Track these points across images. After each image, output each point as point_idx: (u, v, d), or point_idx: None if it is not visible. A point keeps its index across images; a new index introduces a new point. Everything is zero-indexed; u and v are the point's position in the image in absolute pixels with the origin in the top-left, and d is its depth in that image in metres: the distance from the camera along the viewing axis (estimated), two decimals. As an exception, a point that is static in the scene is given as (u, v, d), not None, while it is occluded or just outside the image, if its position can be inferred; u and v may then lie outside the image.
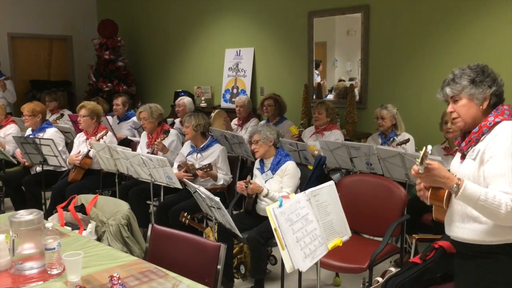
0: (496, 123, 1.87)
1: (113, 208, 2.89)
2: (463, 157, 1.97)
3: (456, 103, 1.97)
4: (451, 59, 4.57)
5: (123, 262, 2.15)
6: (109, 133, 4.58)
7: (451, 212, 1.98)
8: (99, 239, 2.81)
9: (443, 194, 1.88)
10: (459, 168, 1.98)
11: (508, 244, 1.82)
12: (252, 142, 3.55)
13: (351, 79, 5.55)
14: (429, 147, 1.74)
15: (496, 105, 1.92)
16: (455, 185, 1.77)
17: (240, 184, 3.43)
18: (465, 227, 1.92)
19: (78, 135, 4.79)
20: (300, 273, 2.93)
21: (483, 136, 1.88)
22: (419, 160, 1.75)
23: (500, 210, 1.73)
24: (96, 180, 4.50)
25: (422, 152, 1.74)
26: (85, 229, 2.84)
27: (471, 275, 1.96)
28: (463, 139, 1.99)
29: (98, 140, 4.33)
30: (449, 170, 2.06)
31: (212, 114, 5.40)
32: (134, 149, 4.56)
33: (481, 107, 1.92)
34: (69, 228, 2.80)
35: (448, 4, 4.59)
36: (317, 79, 5.90)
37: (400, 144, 4.04)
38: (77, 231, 2.79)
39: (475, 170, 1.87)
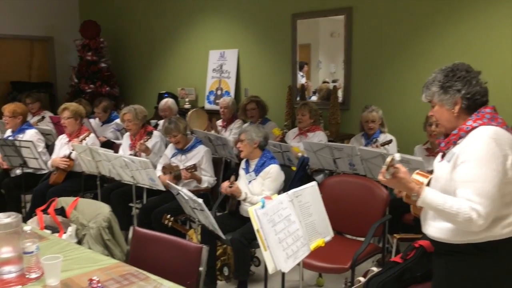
0: (474, 128, 1.85)
1: (94, 211, 2.85)
2: (443, 156, 1.99)
3: (433, 108, 2.00)
4: (433, 60, 4.63)
5: (104, 265, 2.12)
6: (92, 134, 4.53)
7: (425, 210, 2.02)
8: (79, 242, 2.77)
9: None
10: (437, 167, 2.01)
11: (472, 244, 1.85)
12: (239, 140, 3.56)
13: (334, 81, 5.59)
14: (396, 156, 1.78)
15: (471, 108, 1.90)
16: (414, 194, 1.84)
17: (225, 185, 3.42)
18: (435, 225, 1.95)
19: (60, 137, 4.72)
20: (283, 274, 2.93)
21: (460, 140, 1.88)
22: (385, 167, 1.79)
23: (458, 218, 1.77)
24: (78, 182, 4.44)
25: (388, 160, 1.78)
26: (65, 232, 2.80)
27: (442, 272, 1.99)
28: (444, 139, 2.01)
29: (81, 141, 4.28)
30: (431, 170, 2.09)
31: (188, 114, 5.38)
32: (116, 151, 4.52)
33: (453, 111, 1.91)
34: (49, 232, 2.75)
35: (430, 6, 4.65)
36: (301, 80, 5.92)
37: (383, 145, 4.08)
38: (57, 234, 2.75)
39: (448, 172, 1.88)
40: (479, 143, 1.80)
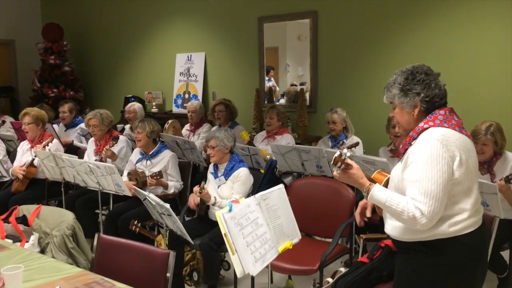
0: (424, 129, 1.90)
1: (57, 219, 2.78)
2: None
3: (393, 110, 2.04)
4: (398, 62, 4.71)
5: (68, 274, 2.07)
6: (55, 140, 4.42)
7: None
8: (42, 251, 2.69)
9: None
10: (395, 168, 2.06)
11: (420, 242, 1.91)
12: (208, 146, 3.52)
13: (302, 84, 5.64)
14: (345, 151, 1.84)
15: (429, 111, 1.93)
16: (365, 190, 1.92)
17: (196, 190, 3.39)
18: (390, 223, 2.03)
19: (22, 143, 4.58)
20: (252, 277, 2.93)
21: (414, 141, 1.92)
22: (332, 162, 1.87)
23: (403, 216, 1.83)
24: (41, 190, 4.32)
25: (336, 155, 1.85)
26: (27, 241, 2.71)
27: (398, 269, 2.06)
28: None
29: (44, 147, 4.17)
30: None
31: (166, 125, 5.32)
32: (81, 157, 4.42)
33: (412, 114, 1.95)
34: (10, 241, 2.67)
35: (393, 8, 4.77)
36: (269, 83, 5.95)
37: (350, 147, 4.14)
38: (18, 243, 2.67)
39: (399, 172, 1.95)
40: (425, 145, 1.84)
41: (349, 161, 1.87)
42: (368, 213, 2.13)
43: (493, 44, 4.24)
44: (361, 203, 2.17)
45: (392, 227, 2.01)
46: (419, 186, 1.82)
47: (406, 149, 1.97)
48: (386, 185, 2.07)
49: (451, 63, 4.34)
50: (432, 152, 1.82)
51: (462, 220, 1.89)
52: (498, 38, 4.20)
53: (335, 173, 1.92)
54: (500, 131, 3.20)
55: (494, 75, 4.25)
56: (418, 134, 1.91)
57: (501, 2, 4.16)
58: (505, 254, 3.24)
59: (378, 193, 1.89)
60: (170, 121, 5.45)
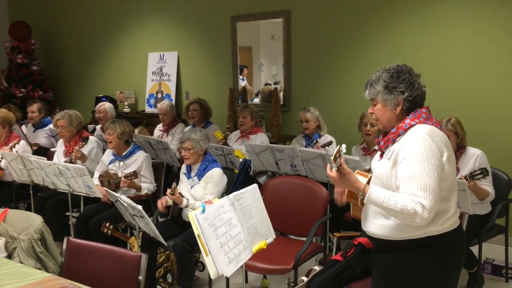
0: (411, 126, 1.92)
1: (24, 222, 2.70)
2: (381, 155, 2.04)
3: (374, 106, 2.04)
4: (370, 61, 4.80)
5: (36, 279, 2.02)
6: (22, 141, 4.30)
7: (366, 208, 2.07)
8: (9, 256, 2.61)
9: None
10: (377, 166, 2.06)
11: (411, 240, 1.92)
12: (183, 148, 3.47)
13: (276, 83, 5.65)
14: (343, 146, 1.81)
15: (411, 110, 1.96)
16: (360, 193, 1.89)
17: (167, 194, 3.34)
18: (376, 222, 2.00)
19: (-13, 145, 4.44)
20: (227, 277, 2.91)
21: (399, 137, 1.94)
22: (332, 157, 1.82)
23: (403, 214, 1.82)
24: (9, 192, 4.22)
25: (336, 150, 1.82)
26: (-7, 247, 2.63)
27: (382, 268, 2.05)
28: (383, 137, 2.06)
29: (10, 149, 4.05)
30: (369, 169, 2.15)
31: (136, 131, 5.25)
32: (51, 158, 4.31)
33: (394, 112, 1.97)
34: (-25, 246, 2.58)
35: (367, 7, 4.81)
36: (242, 83, 5.93)
37: (323, 146, 4.17)
38: (-16, 249, 2.58)
39: (388, 169, 1.94)
40: (417, 140, 1.86)
41: (343, 165, 1.86)
42: (343, 199, 2.09)
43: (462, 43, 4.33)
44: (336, 189, 2.13)
45: (379, 226, 2.00)
46: (417, 181, 1.82)
47: (388, 146, 1.98)
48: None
49: (422, 62, 4.41)
50: (425, 147, 1.84)
51: (450, 216, 1.94)
52: (466, 37, 4.29)
53: (328, 170, 1.89)
54: (460, 124, 3.29)
55: (465, 75, 4.35)
56: (405, 131, 1.92)
57: (469, 2, 4.25)
58: (474, 249, 3.32)
59: (375, 194, 1.87)
60: (139, 127, 5.39)
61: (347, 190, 2.01)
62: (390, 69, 1.99)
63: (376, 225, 2.01)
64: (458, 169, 3.23)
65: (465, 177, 3.03)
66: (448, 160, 1.89)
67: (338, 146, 1.82)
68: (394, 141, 1.96)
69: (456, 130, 3.24)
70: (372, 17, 4.79)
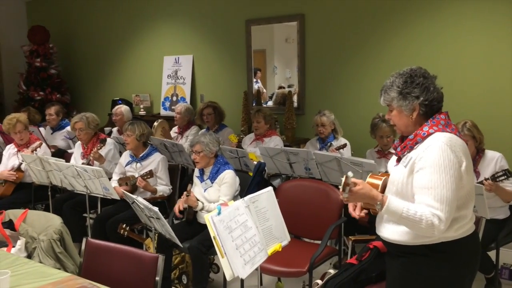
0: (430, 134, 1.88)
1: (44, 223, 2.75)
2: (398, 160, 2.01)
3: (391, 112, 2.01)
4: (386, 64, 4.78)
5: (55, 279, 2.06)
6: (43, 145, 4.38)
7: (380, 213, 2.04)
8: (29, 256, 2.66)
9: None
10: (392, 171, 2.04)
11: (425, 245, 1.90)
12: (193, 151, 3.51)
13: (290, 86, 5.66)
14: (350, 174, 1.78)
15: (428, 114, 1.93)
16: (378, 203, 1.85)
17: (182, 197, 3.38)
18: (390, 227, 2.00)
19: (8, 147, 4.53)
20: (242, 280, 2.93)
21: (417, 145, 1.90)
22: (341, 187, 1.79)
23: (421, 225, 1.80)
24: (28, 194, 4.29)
25: (343, 180, 1.78)
26: (13, 246, 2.68)
27: (395, 273, 2.04)
28: (401, 142, 2.02)
29: (32, 152, 4.13)
30: (386, 171, 2.14)
31: (155, 124, 5.31)
32: (68, 161, 4.38)
33: (411, 117, 1.94)
34: (-4, 246, 2.64)
35: (382, 10, 4.80)
36: (256, 85, 5.96)
37: (337, 149, 4.16)
38: (5, 248, 2.64)
39: (404, 177, 1.91)
40: (435, 150, 1.83)
41: (352, 179, 1.81)
42: (359, 205, 2.06)
43: (476, 46, 4.29)
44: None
45: (391, 231, 1.98)
46: (434, 192, 1.80)
47: (405, 152, 1.95)
48: (383, 189, 2.05)
49: (437, 64, 4.39)
50: (444, 157, 1.81)
51: (466, 223, 1.92)
52: (481, 40, 4.26)
53: (341, 197, 1.85)
54: (476, 127, 3.26)
55: (479, 77, 4.31)
56: (423, 139, 1.89)
57: (484, 5, 4.22)
58: (492, 254, 3.28)
59: (394, 205, 1.83)
60: (159, 120, 5.43)
61: None
62: (403, 74, 1.96)
63: (390, 229, 2.00)
64: (478, 173, 3.22)
65: (488, 179, 3.02)
66: (466, 170, 1.86)
67: (345, 176, 1.78)
68: (411, 148, 1.93)
69: (473, 134, 3.22)
70: (387, 20, 4.78)
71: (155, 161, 3.95)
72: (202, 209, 3.40)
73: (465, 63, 4.37)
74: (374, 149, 4.05)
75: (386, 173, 2.15)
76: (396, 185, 1.95)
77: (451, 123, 1.95)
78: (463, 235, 1.92)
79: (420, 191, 1.84)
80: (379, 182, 2.01)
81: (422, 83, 1.92)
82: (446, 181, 1.80)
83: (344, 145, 4.20)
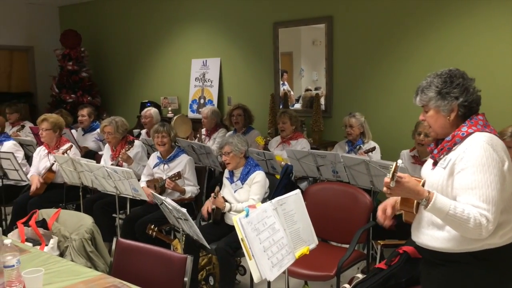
0: (469, 134, 1.83)
1: (76, 222, 2.81)
2: (434, 163, 1.95)
3: (426, 113, 1.96)
4: (416, 67, 4.71)
5: (87, 278, 2.09)
6: (73, 147, 4.47)
7: (419, 218, 1.98)
8: (61, 254, 2.72)
9: (412, 201, 1.88)
10: (429, 175, 1.97)
11: (469, 253, 1.83)
12: (223, 153, 3.53)
13: (317, 89, 5.63)
14: (400, 162, 1.74)
15: (466, 116, 1.88)
16: (424, 199, 1.77)
17: (211, 198, 3.41)
18: (430, 234, 1.92)
19: (38, 149, 4.65)
20: (268, 282, 2.92)
21: (455, 146, 1.85)
22: (390, 175, 1.72)
23: (469, 224, 1.73)
24: (60, 193, 4.38)
25: (393, 167, 1.72)
26: (46, 245, 2.75)
27: (437, 282, 1.95)
28: (436, 145, 1.97)
29: (63, 153, 4.23)
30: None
31: (173, 119, 5.38)
32: (98, 162, 4.47)
33: (448, 118, 1.89)
34: (30, 244, 2.71)
35: (410, 13, 4.73)
36: (283, 87, 5.95)
37: (366, 152, 4.11)
38: (38, 247, 2.70)
39: (444, 179, 1.85)
40: (477, 149, 1.78)
41: (399, 173, 1.74)
42: (390, 211, 1.99)
43: (508, 50, 4.18)
44: (380, 207, 2.06)
45: (431, 237, 1.91)
46: (479, 193, 1.74)
47: (443, 155, 1.89)
48: None
49: (469, 69, 4.28)
50: (486, 156, 1.76)
51: (510, 229, 1.85)
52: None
53: (385, 188, 1.76)
54: None
55: (510, 79, 4.20)
56: (463, 139, 1.84)
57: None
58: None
59: (441, 201, 1.75)
60: (176, 116, 5.50)
61: (400, 199, 1.91)
62: (442, 74, 1.91)
63: (429, 236, 1.91)
64: None
65: None
66: (509, 170, 1.79)
67: (395, 162, 1.72)
68: (449, 150, 1.87)
69: None
70: (417, 22, 4.70)
71: (182, 163, 3.99)
72: (230, 210, 3.41)
73: (497, 68, 4.26)
74: (410, 153, 3.91)
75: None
76: (435, 188, 1.87)
77: (489, 124, 1.90)
78: (508, 241, 1.84)
79: (463, 192, 1.78)
80: (420, 180, 1.92)
81: (462, 83, 1.88)
82: (490, 180, 1.74)
83: (373, 148, 4.14)
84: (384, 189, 1.78)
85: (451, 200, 1.78)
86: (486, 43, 4.30)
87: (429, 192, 1.78)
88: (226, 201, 3.44)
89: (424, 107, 1.96)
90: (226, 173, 3.65)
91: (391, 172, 1.71)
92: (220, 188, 3.55)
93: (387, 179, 1.74)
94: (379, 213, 2.03)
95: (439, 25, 4.57)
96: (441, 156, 1.90)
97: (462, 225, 1.74)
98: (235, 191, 3.51)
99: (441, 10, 4.54)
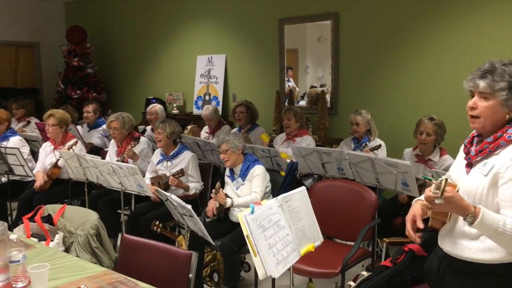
0: None
1: (81, 218, 2.82)
2: (469, 165, 1.78)
3: (484, 100, 1.71)
4: (421, 64, 4.68)
5: (92, 273, 2.10)
6: (79, 143, 4.48)
7: (450, 226, 1.83)
8: (67, 250, 2.73)
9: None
10: (463, 179, 1.80)
11: (504, 264, 1.69)
12: (221, 151, 3.53)
13: (322, 86, 5.62)
14: (443, 177, 1.59)
15: None
16: (470, 215, 1.60)
17: (212, 194, 3.41)
18: (462, 243, 1.77)
19: (44, 144, 4.66)
20: (273, 279, 2.92)
21: (499, 150, 1.68)
22: (436, 190, 1.57)
23: None
24: (65, 189, 4.40)
25: (442, 185, 1.56)
26: (52, 240, 2.76)
27: None
28: (471, 143, 1.81)
29: (68, 149, 4.24)
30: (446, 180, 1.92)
31: (188, 127, 5.37)
32: (104, 158, 4.48)
33: (507, 115, 1.69)
34: (36, 240, 2.71)
35: (418, 10, 4.70)
36: (288, 84, 5.93)
37: (372, 149, 4.09)
38: (44, 242, 2.71)
39: (484, 187, 1.68)
40: None
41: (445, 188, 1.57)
42: (420, 225, 1.76)
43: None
44: (408, 217, 1.82)
45: (464, 247, 1.76)
46: None
47: (481, 158, 1.73)
48: None
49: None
50: None
51: None
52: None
53: (426, 203, 1.63)
54: None
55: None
56: (509, 143, 1.66)
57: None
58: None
59: (489, 217, 1.58)
60: (189, 127, 5.48)
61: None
62: None
63: (462, 246, 1.77)
64: None
65: None
66: None
67: (444, 179, 1.56)
68: (491, 153, 1.69)
69: None
70: (423, 19, 4.67)
71: (185, 159, 3.99)
72: (231, 205, 3.41)
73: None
74: (413, 152, 3.89)
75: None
76: (472, 197, 1.71)
77: None
78: None
79: (510, 205, 1.62)
80: (455, 186, 1.78)
81: None
82: None
83: (379, 146, 4.12)
84: (425, 202, 1.66)
85: (497, 214, 1.63)
86: (494, 39, 4.25)
87: (475, 207, 1.62)
88: (228, 197, 3.44)
89: (481, 93, 1.72)
90: (227, 172, 3.65)
91: (441, 190, 1.55)
92: (223, 187, 3.55)
93: (430, 193, 1.59)
94: (408, 226, 1.80)
95: (447, 22, 4.53)
96: (479, 159, 1.74)
97: (510, 243, 1.60)
98: (237, 188, 3.51)
99: (449, 7, 4.50)
